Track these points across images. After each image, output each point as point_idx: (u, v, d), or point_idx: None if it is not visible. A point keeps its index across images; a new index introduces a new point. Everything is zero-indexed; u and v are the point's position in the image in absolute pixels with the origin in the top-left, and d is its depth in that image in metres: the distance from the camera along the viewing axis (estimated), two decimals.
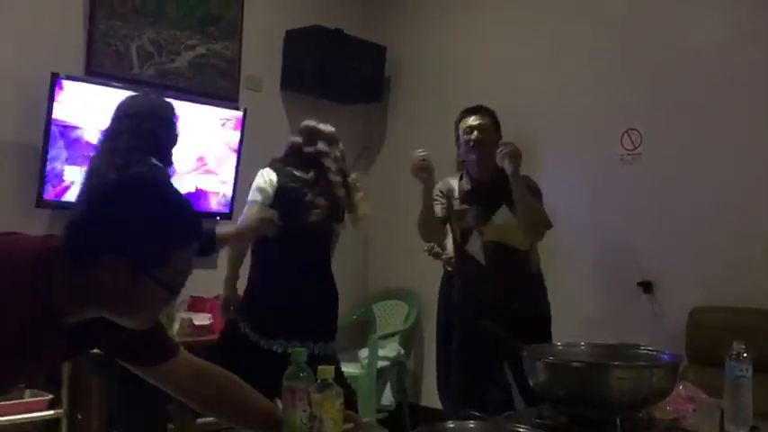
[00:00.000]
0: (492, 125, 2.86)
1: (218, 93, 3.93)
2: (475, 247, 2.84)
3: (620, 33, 3.70)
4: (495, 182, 2.78)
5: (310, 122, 2.84)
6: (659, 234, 3.52)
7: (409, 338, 4.39)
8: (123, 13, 3.56)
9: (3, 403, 2.92)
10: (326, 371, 1.36)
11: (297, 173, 2.74)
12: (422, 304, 4.33)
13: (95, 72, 3.46)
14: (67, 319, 1.18)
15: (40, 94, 3.15)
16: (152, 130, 2.34)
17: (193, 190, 3.70)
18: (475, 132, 2.80)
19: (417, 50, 4.53)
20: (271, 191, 2.69)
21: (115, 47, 3.54)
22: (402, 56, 4.57)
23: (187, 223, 1.23)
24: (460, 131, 2.87)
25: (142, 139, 2.31)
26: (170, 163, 2.43)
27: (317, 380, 1.38)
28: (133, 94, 2.49)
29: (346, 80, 4.29)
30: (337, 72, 4.23)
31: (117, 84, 3.43)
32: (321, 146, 2.77)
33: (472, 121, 2.84)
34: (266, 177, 2.72)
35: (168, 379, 1.42)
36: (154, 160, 2.32)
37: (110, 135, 2.37)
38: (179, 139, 2.48)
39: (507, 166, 2.66)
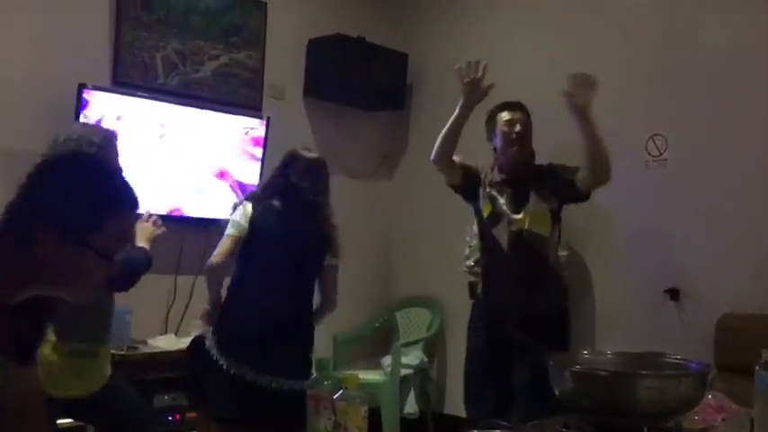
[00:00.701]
0: (529, 121, 3.00)
1: (242, 102, 3.96)
2: (501, 233, 2.91)
3: (644, 38, 3.67)
4: (527, 171, 2.94)
5: (294, 148, 2.86)
6: (686, 240, 3.48)
7: (432, 346, 4.37)
8: (149, 23, 3.60)
9: None
10: (351, 378, 1.36)
11: (275, 203, 2.77)
12: (445, 312, 4.31)
13: (121, 82, 3.50)
14: (11, 299, 1.19)
15: (67, 104, 3.20)
16: None
17: (216, 198, 3.72)
18: (517, 126, 2.92)
19: (439, 57, 4.53)
20: (245, 224, 2.73)
21: (141, 57, 3.58)
22: (424, 63, 4.57)
23: (117, 189, 1.26)
24: (499, 124, 2.95)
25: None
26: None
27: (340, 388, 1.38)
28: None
29: (368, 88, 4.31)
30: (359, 80, 4.24)
31: (142, 94, 3.47)
32: (293, 177, 2.77)
33: (513, 115, 2.95)
34: (242, 210, 2.76)
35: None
36: None
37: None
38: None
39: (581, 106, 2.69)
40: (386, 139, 4.68)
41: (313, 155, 2.83)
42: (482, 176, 3.00)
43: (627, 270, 3.67)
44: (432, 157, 2.95)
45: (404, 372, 4.04)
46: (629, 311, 3.62)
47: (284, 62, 4.18)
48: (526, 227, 2.88)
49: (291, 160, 2.80)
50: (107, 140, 2.38)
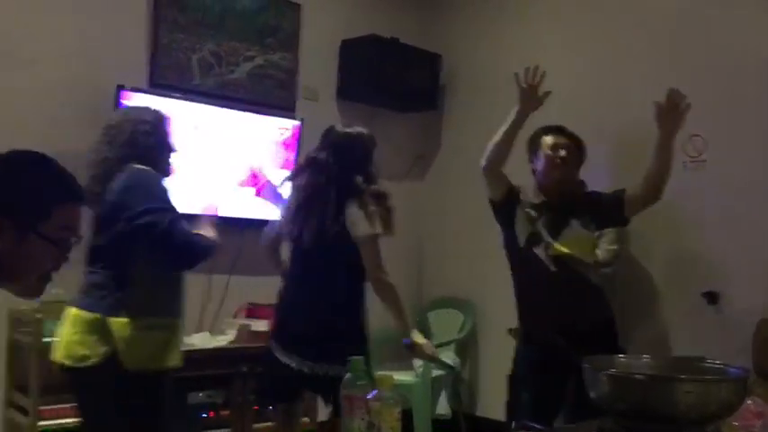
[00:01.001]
0: (575, 147, 2.92)
1: (276, 103, 3.99)
2: (543, 253, 2.84)
3: (682, 37, 3.61)
4: (567, 197, 2.88)
5: (332, 125, 2.82)
6: (725, 243, 3.41)
7: (464, 347, 4.36)
8: (185, 25, 3.65)
9: (69, 405, 3.01)
10: (385, 379, 1.36)
11: (298, 182, 2.74)
12: (477, 313, 4.29)
13: (158, 83, 3.55)
14: None
15: (105, 105, 3.26)
16: (127, 139, 2.34)
17: (250, 198, 3.75)
18: (562, 151, 2.86)
19: (472, 58, 4.52)
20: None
21: (177, 59, 3.63)
22: (457, 64, 4.56)
23: (62, 180, 1.34)
24: (543, 147, 2.89)
25: (117, 148, 2.33)
26: (162, 169, 2.38)
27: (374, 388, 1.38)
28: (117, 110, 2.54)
29: (402, 89, 4.31)
30: (393, 81, 4.25)
31: (178, 95, 3.52)
32: (318, 153, 2.70)
33: (558, 139, 2.88)
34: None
35: None
36: (137, 166, 2.32)
37: (92, 149, 2.41)
38: (167, 144, 2.44)
39: (673, 126, 2.68)
40: (419, 140, 4.68)
41: (345, 129, 2.73)
42: (521, 196, 2.93)
43: (664, 273, 3.62)
44: (482, 164, 2.85)
45: (435, 373, 4.03)
46: (666, 315, 3.56)
47: (318, 63, 4.20)
48: (565, 252, 2.83)
49: (323, 135, 2.76)
50: (159, 121, 2.44)
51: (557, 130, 2.93)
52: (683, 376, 1.53)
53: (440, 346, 4.21)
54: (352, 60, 4.27)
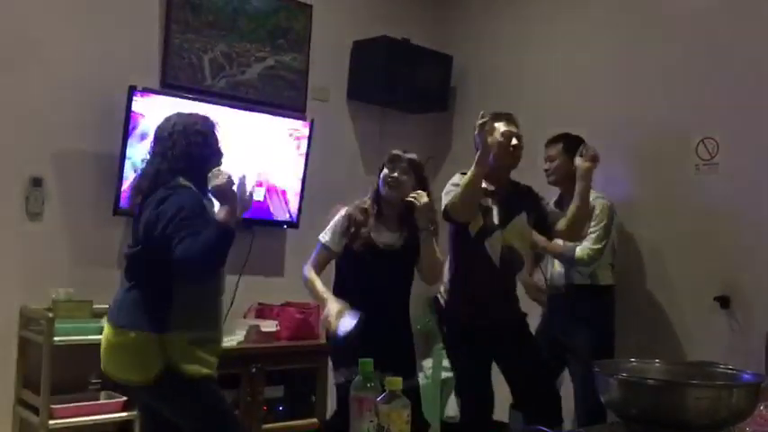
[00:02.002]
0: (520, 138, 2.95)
1: (287, 104, 3.99)
2: (493, 246, 2.89)
3: (694, 38, 3.59)
4: (514, 188, 2.98)
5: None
6: (738, 247, 3.38)
7: None
8: (197, 26, 3.66)
9: (80, 404, 3.03)
10: (394, 382, 1.36)
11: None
12: None
13: (170, 84, 3.57)
14: None
15: (117, 105, 3.27)
16: (183, 152, 2.35)
17: (261, 199, 3.76)
18: (514, 139, 2.89)
19: (483, 60, 4.51)
20: (339, 233, 2.78)
21: (189, 60, 3.64)
22: (468, 65, 4.55)
23: None
24: (495, 133, 2.87)
25: (172, 161, 2.34)
26: (202, 181, 2.36)
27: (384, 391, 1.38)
28: (170, 114, 2.49)
29: (413, 90, 4.30)
30: (404, 82, 4.24)
31: (190, 96, 3.53)
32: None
33: (510, 126, 2.92)
34: (339, 216, 2.81)
35: None
36: (182, 180, 2.34)
37: (148, 157, 2.43)
38: (218, 152, 2.46)
39: (586, 168, 2.83)
40: (430, 141, 4.66)
41: (399, 152, 2.80)
42: None
43: (676, 277, 3.59)
44: (451, 215, 2.83)
45: (444, 375, 4.02)
46: (677, 319, 3.54)
47: (329, 64, 4.20)
48: (514, 244, 2.91)
49: (389, 158, 2.82)
50: (212, 130, 2.47)
51: (507, 118, 2.94)
52: (694, 382, 1.53)
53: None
54: (363, 61, 4.27)
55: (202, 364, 2.30)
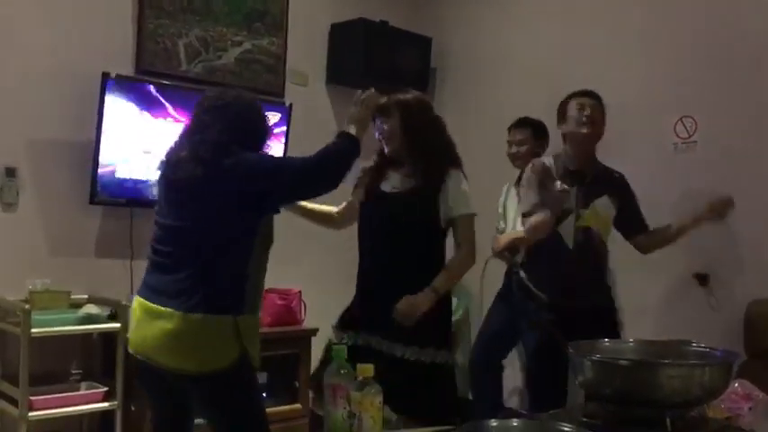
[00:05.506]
0: (601, 111, 2.90)
1: (265, 88, 3.95)
2: (566, 229, 2.80)
3: (674, 16, 3.58)
4: (596, 171, 2.89)
5: None
6: (716, 224, 3.39)
7: (458, 332, 4.35)
8: (171, 11, 3.61)
9: (60, 395, 3.01)
10: (366, 368, 1.35)
11: None
12: (471, 297, 4.28)
13: (145, 70, 3.52)
14: None
15: (90, 92, 3.22)
16: (241, 126, 2.14)
17: None
18: (587, 109, 2.85)
19: (463, 41, 4.48)
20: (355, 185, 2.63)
21: (163, 45, 3.59)
22: (447, 47, 4.52)
23: None
24: (570, 110, 2.88)
25: (231, 132, 2.11)
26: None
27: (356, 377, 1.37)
28: (219, 88, 2.32)
29: (392, 72, 4.26)
30: (383, 64, 4.21)
31: (166, 81, 3.48)
32: None
33: (584, 99, 2.89)
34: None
35: None
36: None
37: (197, 127, 2.16)
38: (269, 134, 2.29)
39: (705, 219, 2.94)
40: None
41: (384, 98, 2.52)
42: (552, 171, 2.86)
43: (654, 255, 3.60)
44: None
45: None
46: (656, 297, 3.56)
47: (307, 48, 4.17)
48: (593, 226, 2.83)
49: None
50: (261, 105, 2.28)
51: (582, 94, 2.93)
52: (666, 361, 1.53)
53: None
54: (341, 44, 4.23)
55: (258, 352, 2.13)
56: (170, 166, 2.12)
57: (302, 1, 4.10)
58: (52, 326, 2.96)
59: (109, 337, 3.17)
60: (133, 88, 3.33)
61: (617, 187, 2.93)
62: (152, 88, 3.39)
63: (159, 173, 2.17)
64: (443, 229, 2.46)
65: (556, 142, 3.15)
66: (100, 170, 3.26)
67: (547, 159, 2.93)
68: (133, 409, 3.11)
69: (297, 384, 3.65)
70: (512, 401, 4.11)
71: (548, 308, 2.78)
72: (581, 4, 3.94)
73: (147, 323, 2.06)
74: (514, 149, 3.45)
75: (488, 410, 3.53)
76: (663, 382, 1.46)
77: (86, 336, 3.24)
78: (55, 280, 3.17)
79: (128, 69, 3.46)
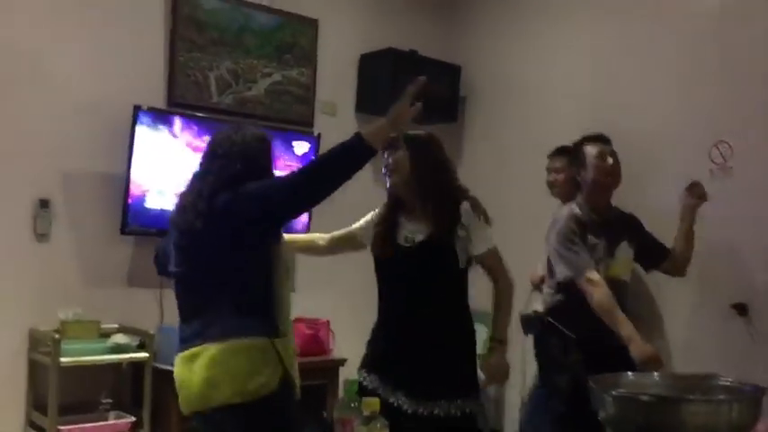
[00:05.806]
0: (617, 158, 2.94)
1: (294, 118, 3.99)
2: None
3: (708, 40, 3.51)
4: (614, 214, 2.94)
5: None
6: (754, 252, 3.29)
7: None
8: (202, 44, 3.68)
9: (88, 425, 3.03)
10: (372, 403, 1.32)
11: None
12: None
13: (176, 103, 3.58)
14: None
15: (122, 125, 3.29)
16: (238, 171, 2.14)
17: None
18: (609, 159, 2.88)
19: (492, 70, 4.47)
20: (368, 221, 2.59)
21: (194, 78, 3.66)
22: (477, 75, 4.51)
23: None
24: (589, 156, 2.89)
25: (232, 173, 2.13)
26: None
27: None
28: (224, 128, 2.30)
29: (421, 101, 4.25)
30: None
31: (197, 113, 3.53)
32: None
33: (603, 146, 2.91)
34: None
35: None
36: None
37: (198, 174, 2.20)
38: (273, 167, 2.29)
39: (693, 206, 2.99)
40: None
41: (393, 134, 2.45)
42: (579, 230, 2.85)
43: (691, 284, 3.49)
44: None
45: None
46: (693, 328, 3.44)
47: (336, 78, 4.20)
48: (617, 275, 2.86)
49: None
50: (268, 143, 2.29)
51: (597, 139, 2.94)
52: (690, 397, 1.47)
53: None
54: (370, 74, 4.26)
55: (298, 379, 2.10)
56: (178, 211, 2.19)
57: (332, 32, 4.14)
58: (81, 355, 3.00)
59: (138, 366, 3.19)
60: (164, 120, 3.39)
61: (632, 229, 2.96)
62: (182, 120, 3.44)
63: (171, 218, 2.23)
64: (464, 269, 2.43)
65: None
66: (130, 200, 3.31)
67: (573, 208, 2.93)
68: None
69: (324, 414, 3.61)
70: None
71: (576, 347, 2.75)
72: (612, 34, 3.89)
73: (186, 372, 2.05)
74: (552, 177, 3.42)
75: None
76: (686, 418, 1.40)
77: (116, 365, 3.26)
78: (87, 310, 3.21)
79: (159, 102, 3.53)
